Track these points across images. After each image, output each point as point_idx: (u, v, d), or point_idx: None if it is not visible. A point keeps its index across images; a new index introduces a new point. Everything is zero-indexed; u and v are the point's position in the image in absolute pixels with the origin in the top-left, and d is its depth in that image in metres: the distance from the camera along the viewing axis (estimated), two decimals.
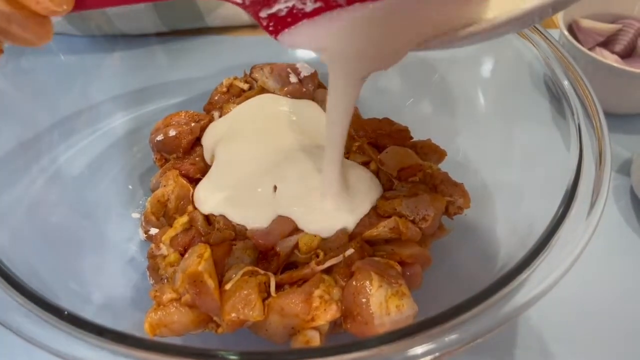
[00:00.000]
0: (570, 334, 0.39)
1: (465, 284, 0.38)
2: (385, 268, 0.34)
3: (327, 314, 0.32)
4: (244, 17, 0.62)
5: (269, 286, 0.34)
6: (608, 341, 0.39)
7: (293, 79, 0.48)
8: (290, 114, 0.46)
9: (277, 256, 0.36)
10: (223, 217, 0.38)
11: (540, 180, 0.39)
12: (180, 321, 0.33)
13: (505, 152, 0.44)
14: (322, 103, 0.47)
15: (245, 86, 0.49)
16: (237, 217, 0.37)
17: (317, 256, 0.35)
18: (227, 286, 0.33)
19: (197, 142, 0.45)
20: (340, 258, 0.35)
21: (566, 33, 0.52)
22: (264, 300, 0.33)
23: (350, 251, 0.35)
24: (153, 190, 0.42)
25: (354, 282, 0.33)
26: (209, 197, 0.39)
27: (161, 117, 0.46)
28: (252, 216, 0.37)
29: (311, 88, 0.48)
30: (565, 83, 0.38)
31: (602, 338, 0.39)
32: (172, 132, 0.43)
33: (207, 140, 0.44)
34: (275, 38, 0.27)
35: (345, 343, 0.26)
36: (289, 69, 0.48)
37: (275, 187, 0.39)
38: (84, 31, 0.51)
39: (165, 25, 0.57)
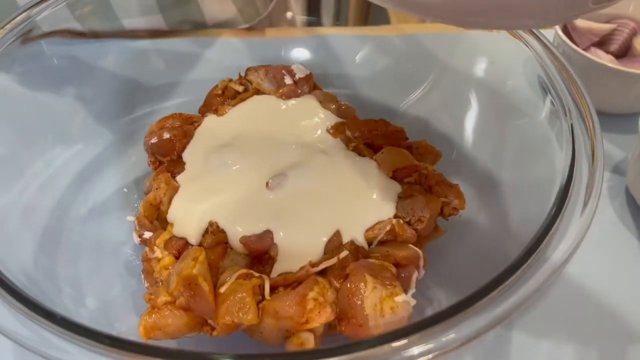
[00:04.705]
0: (565, 332, 0.39)
1: (460, 285, 0.38)
2: (380, 270, 0.34)
3: (322, 317, 0.32)
4: (239, 19, 0.63)
5: (264, 289, 0.34)
6: (603, 339, 0.39)
7: (288, 80, 0.48)
8: (288, 114, 0.46)
9: (271, 259, 0.36)
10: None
11: (534, 180, 0.39)
12: (174, 324, 0.33)
13: (500, 152, 0.44)
14: None
15: (240, 88, 0.49)
16: (229, 226, 0.37)
17: None
18: (222, 289, 0.33)
19: None
20: (334, 260, 0.35)
21: (560, 33, 0.52)
22: (258, 303, 0.33)
23: (344, 253, 0.35)
24: (146, 194, 0.41)
25: (348, 284, 0.33)
26: (194, 213, 0.38)
27: (155, 120, 0.45)
28: (245, 225, 0.37)
29: (306, 89, 0.48)
30: (559, 83, 0.39)
31: (596, 336, 0.39)
32: (166, 135, 0.43)
33: (197, 146, 0.43)
34: None
35: (339, 345, 0.26)
36: (283, 71, 0.48)
37: (270, 193, 0.39)
38: (84, 24, 0.51)
39: (164, 18, 0.57)
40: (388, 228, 0.37)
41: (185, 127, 0.44)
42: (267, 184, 0.39)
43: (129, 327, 0.35)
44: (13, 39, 0.43)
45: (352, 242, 0.36)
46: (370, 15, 0.65)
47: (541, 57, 0.41)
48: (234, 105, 0.47)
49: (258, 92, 0.48)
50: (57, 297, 0.36)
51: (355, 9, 0.66)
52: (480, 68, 0.48)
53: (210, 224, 0.37)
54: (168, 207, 0.39)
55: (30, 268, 0.36)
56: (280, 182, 0.39)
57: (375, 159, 0.41)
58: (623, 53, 0.54)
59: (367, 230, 0.37)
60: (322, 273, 0.35)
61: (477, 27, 0.37)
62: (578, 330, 0.40)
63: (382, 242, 0.37)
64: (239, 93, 0.48)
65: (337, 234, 0.36)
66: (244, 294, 0.32)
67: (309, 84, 0.49)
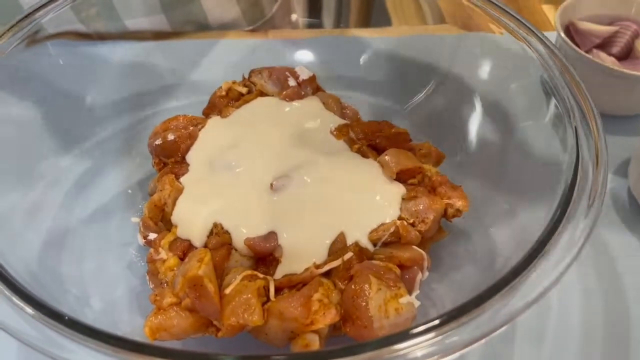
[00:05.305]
0: (568, 335, 0.39)
1: (464, 286, 0.38)
2: (384, 271, 0.34)
3: (326, 318, 0.32)
4: (242, 21, 0.63)
5: (268, 290, 0.34)
6: (606, 342, 0.39)
7: (292, 82, 0.48)
8: (291, 116, 0.46)
9: (275, 261, 0.36)
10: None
11: (538, 182, 0.39)
12: (180, 325, 0.33)
13: (503, 154, 0.44)
14: None
15: (244, 90, 0.49)
16: (233, 227, 0.37)
17: None
18: (227, 290, 0.33)
19: None
20: (339, 262, 0.35)
21: (563, 35, 0.52)
22: (263, 304, 0.33)
23: (349, 255, 0.35)
24: (151, 195, 0.42)
25: (352, 286, 0.33)
26: (198, 214, 0.38)
27: (160, 122, 0.46)
28: (249, 227, 0.37)
29: (310, 91, 0.49)
30: (562, 85, 0.39)
31: (600, 339, 0.39)
32: (170, 137, 0.43)
33: (201, 147, 0.43)
34: None
35: (344, 346, 0.26)
36: (287, 73, 0.48)
37: (274, 195, 0.39)
38: (88, 26, 0.52)
39: (167, 18, 0.58)
40: (392, 230, 0.37)
41: (189, 129, 0.44)
42: (271, 185, 0.39)
43: (134, 327, 0.36)
44: (19, 41, 0.43)
45: (356, 244, 0.36)
46: (372, 18, 0.65)
47: (544, 60, 0.41)
48: (237, 107, 0.47)
49: (262, 94, 0.48)
50: (63, 297, 0.36)
51: (356, 11, 0.66)
52: (483, 70, 0.48)
53: (215, 225, 0.37)
54: (172, 209, 0.39)
55: (35, 268, 0.37)
56: (284, 183, 0.39)
57: (378, 160, 0.41)
58: (625, 55, 0.54)
59: (371, 232, 0.37)
60: (327, 274, 0.35)
61: None
62: (579, 332, 0.40)
63: (386, 244, 0.37)
64: (242, 95, 0.48)
65: (341, 236, 0.37)
66: (249, 295, 0.32)
67: (313, 86, 0.49)
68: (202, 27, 0.61)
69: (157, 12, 0.57)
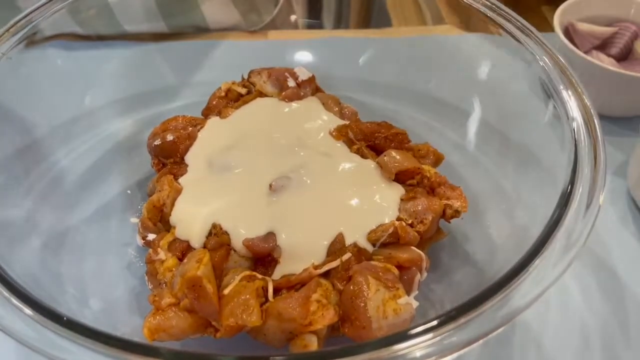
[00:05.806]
0: (566, 336, 0.39)
1: (462, 287, 0.38)
2: (383, 272, 0.34)
3: (325, 318, 0.32)
4: (242, 25, 0.63)
5: (267, 291, 0.34)
6: (605, 342, 0.39)
7: (291, 83, 0.48)
8: (290, 117, 0.46)
9: (274, 261, 0.36)
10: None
11: (536, 183, 0.39)
12: (178, 326, 0.33)
13: (502, 155, 0.44)
14: None
15: (243, 91, 0.49)
16: (232, 228, 0.37)
17: None
18: (226, 291, 0.33)
19: None
20: (337, 262, 0.35)
21: (562, 36, 0.53)
22: (261, 305, 0.33)
23: (347, 255, 0.35)
24: (150, 196, 0.42)
25: (351, 286, 0.33)
26: (197, 215, 0.38)
27: (159, 122, 0.46)
28: (248, 228, 0.37)
29: (309, 92, 0.49)
30: (561, 86, 0.39)
31: (598, 339, 0.39)
32: (169, 137, 0.43)
33: (200, 148, 0.43)
34: None
35: (343, 347, 0.26)
36: (286, 73, 0.48)
37: (273, 195, 0.39)
38: (87, 29, 0.51)
39: (168, 25, 0.58)
40: (391, 230, 0.37)
41: (188, 130, 0.44)
42: (270, 186, 0.39)
43: (133, 328, 0.36)
44: (18, 42, 0.43)
45: (354, 245, 0.37)
46: (372, 18, 0.65)
47: (543, 61, 0.41)
48: (237, 108, 0.47)
49: (261, 94, 0.48)
50: (61, 297, 0.36)
51: (356, 12, 0.66)
52: (482, 71, 0.48)
53: (214, 226, 0.37)
54: (171, 209, 0.39)
55: (34, 269, 0.37)
56: (283, 184, 0.39)
57: (377, 161, 0.42)
58: (624, 56, 0.55)
59: (370, 233, 0.37)
60: (325, 275, 0.35)
61: None
62: (578, 332, 0.40)
63: (384, 245, 0.37)
64: (242, 95, 0.48)
65: (340, 236, 0.37)
66: (248, 296, 0.32)
67: (312, 87, 0.49)
68: (202, 31, 0.61)
69: (156, 19, 0.57)
